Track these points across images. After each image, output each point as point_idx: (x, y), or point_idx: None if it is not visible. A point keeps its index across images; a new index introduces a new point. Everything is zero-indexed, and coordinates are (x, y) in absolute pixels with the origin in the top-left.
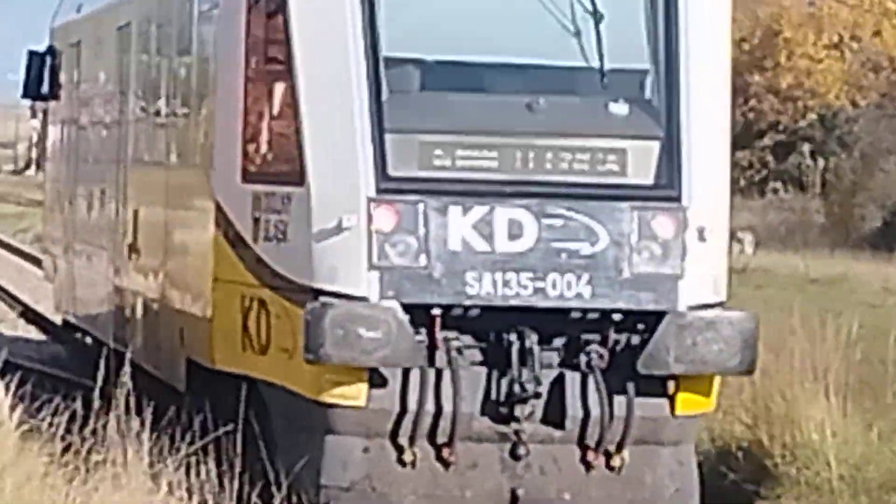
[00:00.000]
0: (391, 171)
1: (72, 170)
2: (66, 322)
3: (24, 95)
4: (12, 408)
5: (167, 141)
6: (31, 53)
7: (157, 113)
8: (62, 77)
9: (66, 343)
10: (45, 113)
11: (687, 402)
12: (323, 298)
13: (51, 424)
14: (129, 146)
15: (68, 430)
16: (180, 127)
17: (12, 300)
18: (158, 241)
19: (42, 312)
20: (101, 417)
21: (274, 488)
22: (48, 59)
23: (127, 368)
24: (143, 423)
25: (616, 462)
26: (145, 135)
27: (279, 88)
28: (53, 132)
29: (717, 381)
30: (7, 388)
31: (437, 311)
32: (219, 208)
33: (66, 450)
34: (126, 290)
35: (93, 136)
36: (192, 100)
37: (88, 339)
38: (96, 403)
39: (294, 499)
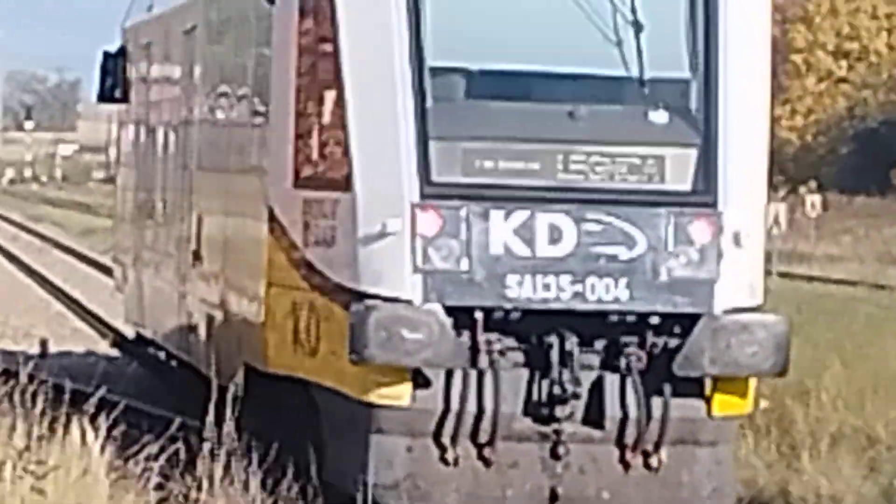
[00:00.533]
0: (434, 177)
1: (140, 176)
2: (138, 335)
3: (100, 99)
4: (101, 449)
5: (226, 147)
6: (106, 55)
7: (218, 119)
8: (132, 80)
9: (141, 359)
10: (118, 116)
11: (723, 404)
12: (367, 301)
13: (145, 470)
14: (193, 151)
15: (164, 476)
16: (238, 133)
17: (104, 327)
18: (218, 247)
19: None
20: (200, 459)
21: (319, 488)
22: (119, 61)
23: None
24: (250, 466)
25: (654, 462)
26: (207, 140)
27: (328, 97)
28: (124, 137)
29: (753, 382)
30: (96, 430)
31: (479, 314)
32: (272, 213)
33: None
34: (190, 298)
35: (160, 142)
36: (248, 106)
37: (161, 354)
38: (194, 442)
39: (340, 497)
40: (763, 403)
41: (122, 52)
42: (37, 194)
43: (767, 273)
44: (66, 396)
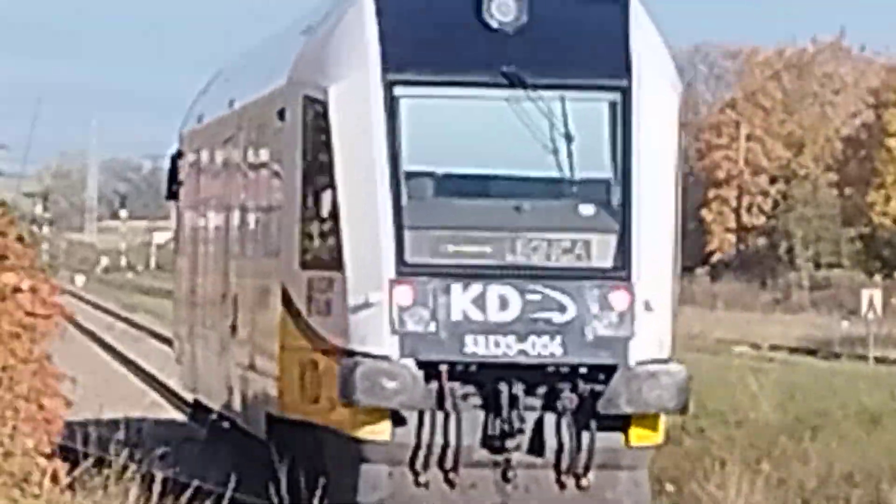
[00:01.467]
0: (408, 259)
1: (192, 263)
2: (196, 402)
3: (167, 197)
4: None
5: (252, 237)
6: (172, 157)
7: (246, 214)
8: (185, 180)
9: (204, 426)
10: (176, 213)
11: (639, 436)
12: (355, 357)
13: None
14: (229, 242)
15: None
16: (260, 226)
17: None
18: (248, 318)
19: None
20: None
21: None
22: (178, 164)
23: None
24: None
25: (584, 483)
26: (238, 233)
27: (325, 196)
28: (180, 231)
29: (661, 418)
30: None
31: (443, 367)
32: (284, 289)
33: None
34: (230, 364)
35: (206, 235)
36: (267, 204)
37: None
38: None
39: None
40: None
41: (179, 155)
42: (131, 283)
43: (863, 358)
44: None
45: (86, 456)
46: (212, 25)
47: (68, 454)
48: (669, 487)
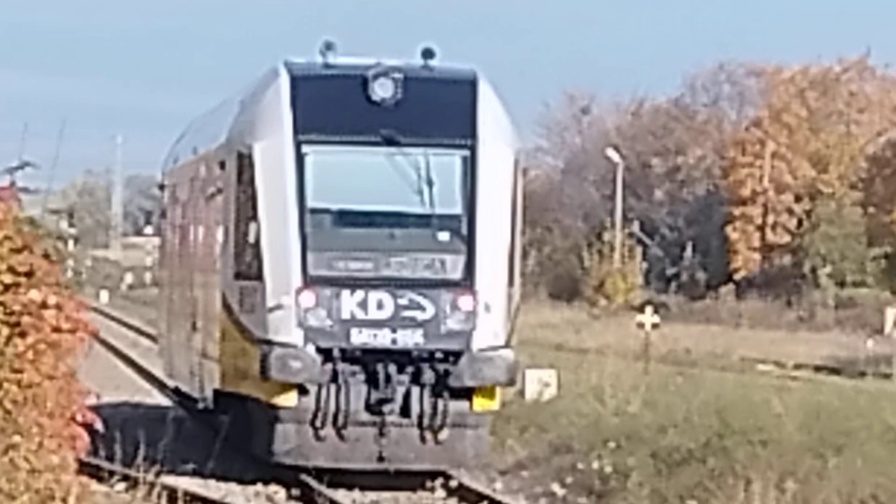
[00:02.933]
0: (311, 272)
1: (169, 275)
2: (177, 388)
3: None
4: None
5: (206, 256)
6: (159, 188)
7: (201, 239)
8: (165, 208)
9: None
10: (161, 233)
11: (480, 403)
12: (272, 345)
13: None
14: (191, 258)
15: None
16: (210, 248)
17: None
18: (202, 317)
19: None
20: None
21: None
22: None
23: None
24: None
25: (440, 437)
26: (197, 251)
27: (251, 227)
28: (162, 249)
29: (497, 391)
30: None
31: (336, 352)
32: (223, 295)
33: None
34: (191, 352)
35: (177, 252)
36: (213, 231)
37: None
38: None
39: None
40: None
41: (161, 187)
42: (156, 299)
43: (888, 377)
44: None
45: (112, 473)
46: (234, 45)
47: (94, 471)
48: None
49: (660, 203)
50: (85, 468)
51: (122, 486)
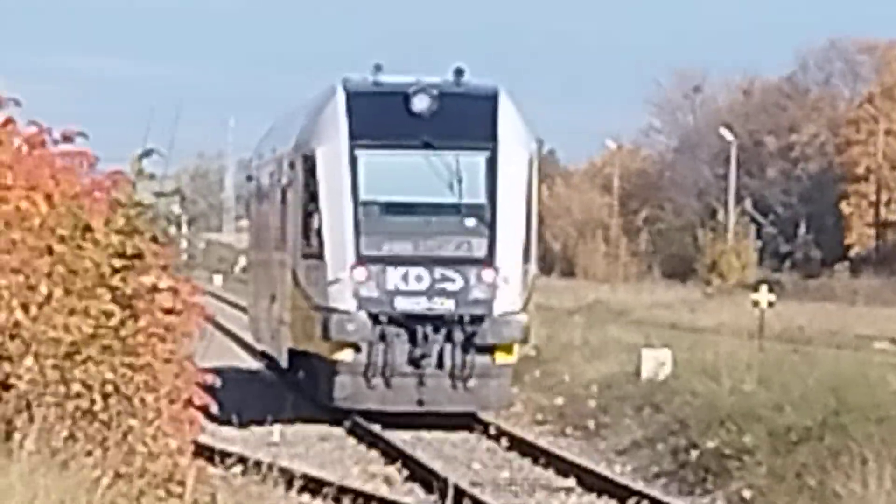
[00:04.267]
0: (363, 252)
1: (255, 255)
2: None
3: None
4: None
5: (281, 238)
6: (247, 179)
7: (279, 223)
8: (251, 198)
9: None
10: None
11: (501, 357)
12: (331, 311)
13: None
14: (271, 241)
15: None
16: (284, 231)
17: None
18: (279, 290)
19: None
20: None
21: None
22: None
23: None
24: None
25: (469, 385)
26: (275, 234)
27: (315, 216)
28: (250, 233)
29: (515, 347)
30: None
31: (383, 317)
32: (293, 271)
33: None
34: (271, 319)
35: (261, 236)
36: (286, 217)
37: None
38: None
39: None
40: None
41: (249, 179)
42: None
43: None
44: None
45: (228, 455)
46: (333, 29)
47: (211, 454)
48: (811, 482)
49: (773, 181)
50: (202, 451)
51: (238, 468)
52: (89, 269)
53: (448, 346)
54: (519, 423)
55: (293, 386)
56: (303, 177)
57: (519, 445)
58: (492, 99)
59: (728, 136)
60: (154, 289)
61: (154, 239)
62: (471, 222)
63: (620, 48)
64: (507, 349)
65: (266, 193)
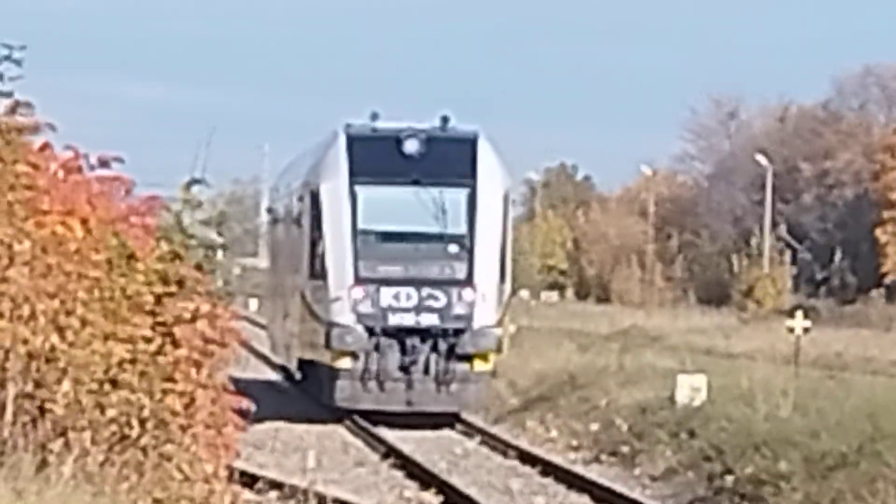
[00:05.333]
0: (360, 274)
1: (272, 277)
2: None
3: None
4: None
5: (292, 262)
6: (267, 210)
7: (289, 248)
8: (270, 226)
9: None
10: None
11: (478, 365)
12: (333, 325)
13: None
14: (284, 264)
15: None
16: (295, 256)
17: (380, 444)
18: (291, 308)
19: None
20: None
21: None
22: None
23: None
24: None
25: (452, 388)
26: (287, 259)
27: (319, 243)
28: (269, 257)
29: (491, 356)
30: None
31: (377, 330)
32: (301, 291)
33: None
34: (285, 333)
35: (277, 260)
36: (297, 244)
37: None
38: None
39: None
40: None
41: (269, 210)
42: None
43: None
44: None
45: (259, 479)
46: (366, 54)
47: (245, 478)
48: None
49: (808, 207)
50: (237, 476)
51: (273, 494)
52: (130, 295)
53: (433, 356)
54: (554, 449)
55: (303, 392)
56: (310, 209)
57: (554, 471)
58: (472, 142)
59: (763, 162)
60: (195, 315)
61: (199, 266)
62: (453, 249)
63: (656, 74)
64: (484, 357)
65: (281, 223)
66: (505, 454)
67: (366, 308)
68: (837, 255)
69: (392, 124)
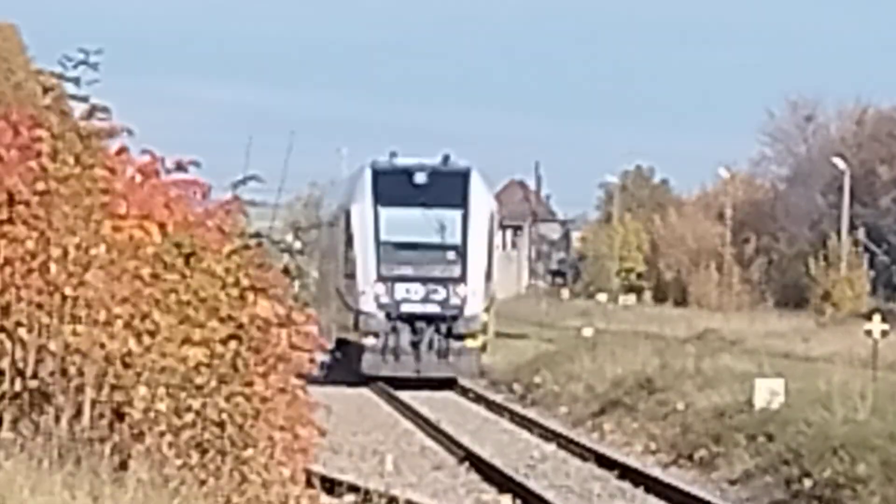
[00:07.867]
0: (381, 273)
1: (320, 278)
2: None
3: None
4: None
5: (334, 265)
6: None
7: (332, 254)
8: (320, 235)
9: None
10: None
11: (469, 342)
12: (360, 311)
13: None
14: (329, 266)
15: None
16: (335, 260)
17: (453, 444)
18: (332, 300)
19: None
20: None
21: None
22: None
23: None
24: None
25: (449, 360)
26: (330, 262)
27: (350, 250)
28: (320, 263)
29: (480, 336)
30: None
31: (394, 316)
32: (337, 287)
33: None
34: (329, 321)
35: (324, 263)
36: (337, 250)
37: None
38: None
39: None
40: None
41: (317, 225)
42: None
43: None
44: None
45: (339, 483)
46: (445, 54)
47: (323, 482)
48: None
49: (886, 210)
50: (315, 479)
51: (350, 497)
52: (206, 299)
53: (435, 335)
54: (632, 452)
55: (339, 363)
56: (344, 225)
57: (632, 475)
58: (465, 175)
59: (841, 165)
60: (271, 321)
61: (286, 271)
62: (451, 255)
63: (734, 78)
64: (473, 336)
65: (326, 234)
66: (582, 458)
67: (385, 299)
68: None
69: (406, 160)
